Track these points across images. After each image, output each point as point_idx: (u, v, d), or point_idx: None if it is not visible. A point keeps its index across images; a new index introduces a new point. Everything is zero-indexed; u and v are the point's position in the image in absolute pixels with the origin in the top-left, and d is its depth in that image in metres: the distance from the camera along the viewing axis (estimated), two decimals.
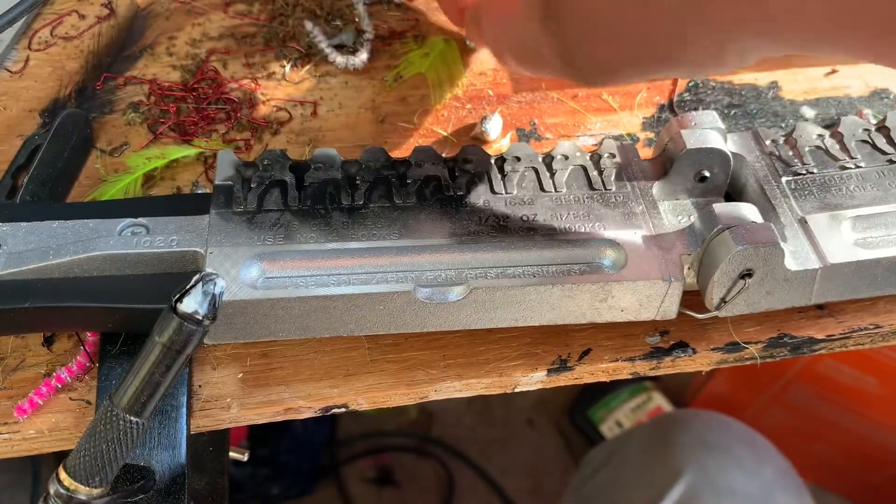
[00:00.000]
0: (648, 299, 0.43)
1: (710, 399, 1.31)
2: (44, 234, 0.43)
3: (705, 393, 1.32)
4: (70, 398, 0.44)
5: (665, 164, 0.47)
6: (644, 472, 0.81)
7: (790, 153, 0.48)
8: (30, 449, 0.44)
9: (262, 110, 0.57)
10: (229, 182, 0.45)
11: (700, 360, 0.48)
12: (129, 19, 0.61)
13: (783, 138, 0.49)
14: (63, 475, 0.37)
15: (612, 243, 0.43)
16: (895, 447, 1.18)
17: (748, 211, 0.42)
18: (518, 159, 0.47)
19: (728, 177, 0.47)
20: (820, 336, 0.48)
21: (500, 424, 1.45)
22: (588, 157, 0.47)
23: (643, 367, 0.47)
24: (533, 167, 0.47)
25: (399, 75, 0.59)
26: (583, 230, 0.44)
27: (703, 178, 0.46)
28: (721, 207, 0.42)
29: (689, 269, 0.43)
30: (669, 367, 0.47)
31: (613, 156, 0.48)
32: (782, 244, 0.41)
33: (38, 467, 1.22)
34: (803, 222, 0.44)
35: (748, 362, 0.48)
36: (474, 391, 0.46)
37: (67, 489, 0.37)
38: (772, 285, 0.43)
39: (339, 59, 0.58)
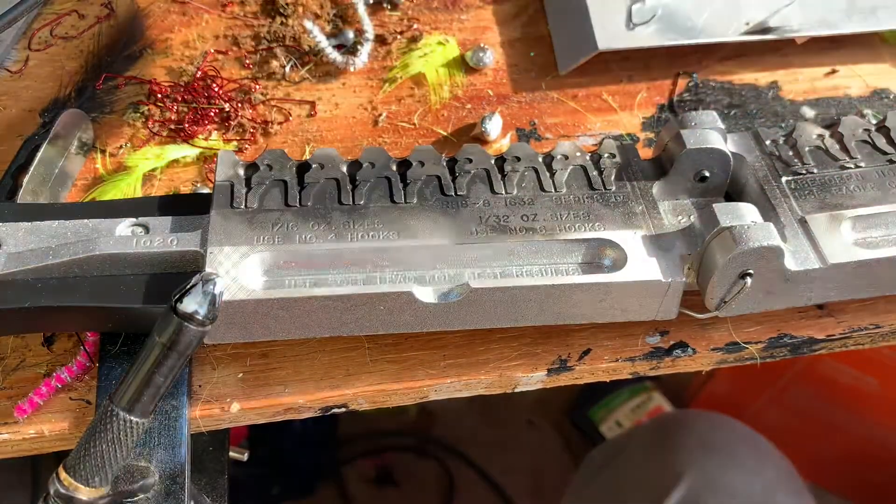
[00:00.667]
0: (648, 299, 0.43)
1: (710, 399, 1.31)
2: (44, 234, 0.43)
3: (705, 393, 1.31)
4: (70, 398, 0.44)
5: (665, 164, 0.47)
6: (645, 473, 0.80)
7: (790, 153, 0.48)
8: (30, 449, 0.44)
9: (262, 110, 0.57)
10: (230, 181, 0.45)
11: (700, 360, 0.48)
12: (129, 19, 0.61)
13: (783, 138, 0.49)
14: (63, 475, 0.37)
15: (612, 243, 0.43)
16: (895, 447, 1.18)
17: (748, 211, 0.42)
18: (518, 159, 0.47)
19: (728, 177, 0.47)
20: (820, 336, 0.48)
21: (500, 424, 1.45)
22: (588, 157, 0.47)
23: (643, 367, 0.47)
24: (533, 167, 0.47)
25: (398, 75, 0.59)
26: (583, 230, 0.44)
27: (703, 178, 0.46)
28: (721, 208, 0.42)
29: (688, 268, 0.43)
30: (669, 367, 0.47)
31: (613, 156, 0.48)
32: (782, 244, 0.41)
33: (38, 467, 1.22)
34: (803, 222, 0.44)
35: (748, 362, 0.48)
36: (474, 391, 0.46)
37: (67, 489, 0.37)
38: (772, 285, 0.43)
39: (339, 59, 0.58)
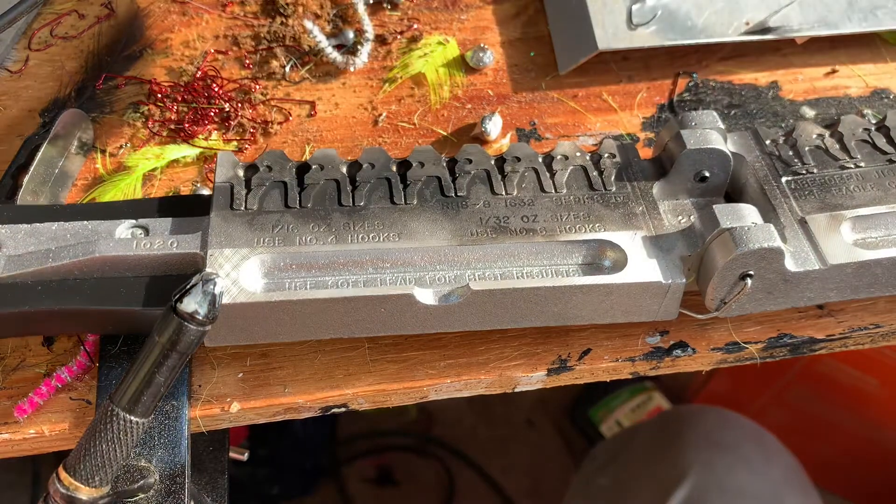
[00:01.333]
0: (649, 300, 0.43)
1: (710, 399, 1.31)
2: (43, 237, 0.43)
3: (705, 393, 1.31)
4: (70, 398, 0.44)
5: (665, 163, 0.47)
6: (650, 469, 0.80)
7: (790, 153, 0.48)
8: (30, 449, 0.44)
9: (262, 110, 0.57)
10: (229, 183, 0.45)
11: (700, 360, 0.48)
12: (129, 19, 0.61)
13: (783, 138, 0.49)
14: (63, 475, 0.37)
15: (612, 244, 0.43)
16: (895, 447, 1.18)
17: (748, 212, 0.42)
18: (518, 160, 0.47)
19: (728, 177, 0.47)
20: (820, 336, 0.48)
21: (500, 424, 1.45)
22: (588, 158, 0.47)
23: (643, 367, 0.47)
24: (533, 167, 0.47)
25: (398, 75, 0.59)
26: (583, 231, 0.44)
27: (703, 178, 0.46)
28: (721, 208, 0.42)
29: (689, 269, 0.43)
30: (669, 366, 0.47)
31: (613, 156, 0.48)
32: (782, 245, 0.41)
33: (38, 467, 1.22)
34: (803, 223, 0.44)
35: (748, 362, 0.48)
36: (474, 391, 0.46)
37: (68, 489, 0.37)
38: (772, 286, 0.43)
39: (339, 59, 0.58)
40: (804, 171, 0.47)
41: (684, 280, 0.42)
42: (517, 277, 0.42)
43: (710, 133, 0.46)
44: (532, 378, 0.46)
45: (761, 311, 0.44)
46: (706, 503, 0.73)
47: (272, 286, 0.42)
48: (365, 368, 0.46)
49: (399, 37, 0.61)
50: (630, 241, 0.43)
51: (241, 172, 0.46)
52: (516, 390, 0.47)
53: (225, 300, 0.40)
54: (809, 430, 1.23)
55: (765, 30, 0.58)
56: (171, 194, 0.52)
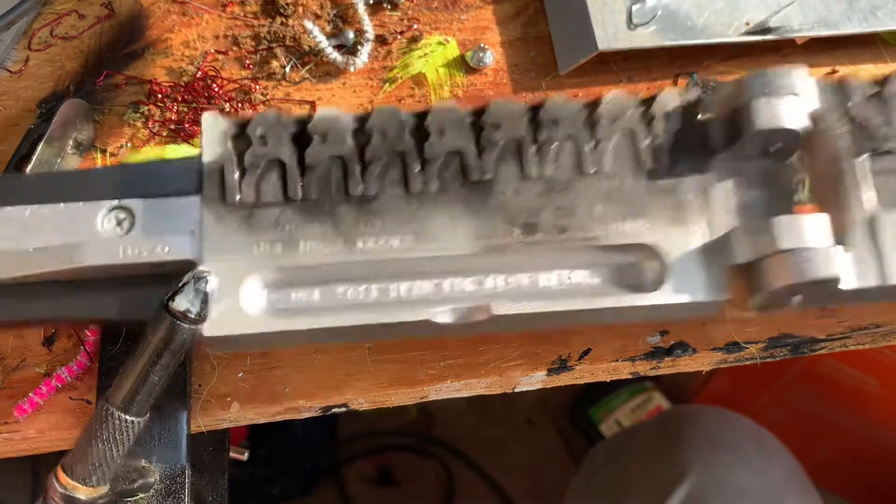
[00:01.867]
0: (680, 311, 0.39)
1: (711, 399, 1.31)
2: (19, 227, 0.39)
3: (705, 393, 1.31)
4: (70, 398, 0.44)
5: (730, 131, 0.40)
6: (650, 469, 0.80)
7: (879, 119, 0.41)
8: (30, 449, 0.44)
9: (262, 110, 0.57)
10: (220, 164, 0.39)
11: (700, 360, 0.48)
12: (131, 18, 0.61)
13: (873, 93, 0.42)
14: (61, 475, 0.37)
15: (653, 253, 0.39)
16: (895, 447, 1.18)
17: (811, 230, 0.37)
18: (555, 123, 0.40)
19: (797, 149, 0.41)
20: (820, 336, 0.48)
21: (500, 424, 1.45)
22: (639, 118, 0.40)
23: (643, 367, 0.47)
24: (572, 135, 0.40)
25: (399, 76, 0.59)
26: (623, 230, 0.39)
27: (769, 152, 0.41)
28: (780, 223, 0.37)
29: (731, 277, 0.39)
30: (669, 366, 0.47)
31: (668, 117, 0.40)
32: (840, 268, 0.37)
33: (38, 467, 1.22)
34: (872, 223, 0.39)
35: (748, 362, 0.48)
36: (474, 391, 0.46)
37: (66, 488, 0.37)
38: (816, 299, 0.39)
39: (339, 59, 0.58)
40: (886, 150, 0.40)
41: (724, 298, 0.38)
42: (541, 285, 0.38)
43: (784, 106, 0.39)
44: (532, 378, 0.46)
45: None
46: (706, 503, 0.73)
47: (276, 312, 0.38)
48: (365, 369, 0.46)
49: (399, 37, 0.61)
50: (673, 246, 0.38)
51: (230, 145, 0.40)
52: (516, 390, 0.47)
53: (226, 332, 0.37)
54: (809, 429, 1.23)
55: (765, 30, 0.58)
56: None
